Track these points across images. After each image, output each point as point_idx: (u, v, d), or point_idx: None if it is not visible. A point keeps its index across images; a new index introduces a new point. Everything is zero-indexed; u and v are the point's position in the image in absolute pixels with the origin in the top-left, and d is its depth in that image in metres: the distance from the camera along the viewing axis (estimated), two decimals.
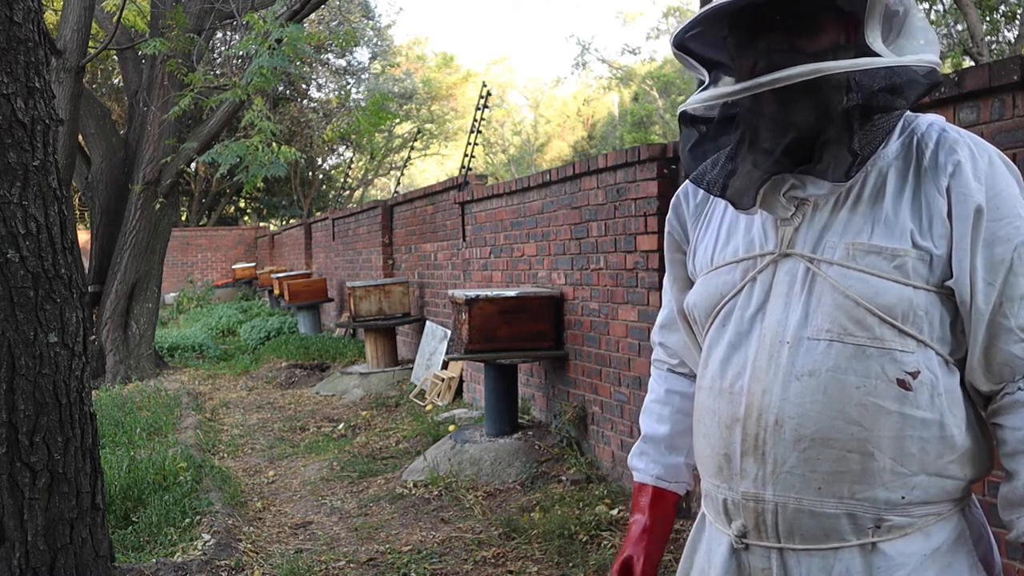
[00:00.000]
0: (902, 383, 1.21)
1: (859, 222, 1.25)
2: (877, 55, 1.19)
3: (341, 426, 6.94)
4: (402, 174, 14.75)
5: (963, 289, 1.21)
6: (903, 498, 1.22)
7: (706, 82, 1.33)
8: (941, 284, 1.23)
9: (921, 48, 1.23)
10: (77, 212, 19.23)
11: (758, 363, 1.27)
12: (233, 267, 19.14)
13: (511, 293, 5.39)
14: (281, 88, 19.50)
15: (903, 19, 1.24)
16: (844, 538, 1.24)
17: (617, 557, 1.51)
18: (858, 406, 1.21)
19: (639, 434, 1.59)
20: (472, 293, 5.37)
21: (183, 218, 22.22)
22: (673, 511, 1.53)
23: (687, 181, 1.43)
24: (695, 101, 1.29)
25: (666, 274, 1.55)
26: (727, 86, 1.27)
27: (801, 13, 1.21)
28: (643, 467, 1.54)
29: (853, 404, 1.21)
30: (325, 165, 25.31)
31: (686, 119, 1.33)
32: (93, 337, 9.50)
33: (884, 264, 1.22)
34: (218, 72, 13.02)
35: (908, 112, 1.27)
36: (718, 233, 1.40)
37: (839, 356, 1.22)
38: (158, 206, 9.76)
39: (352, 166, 24.27)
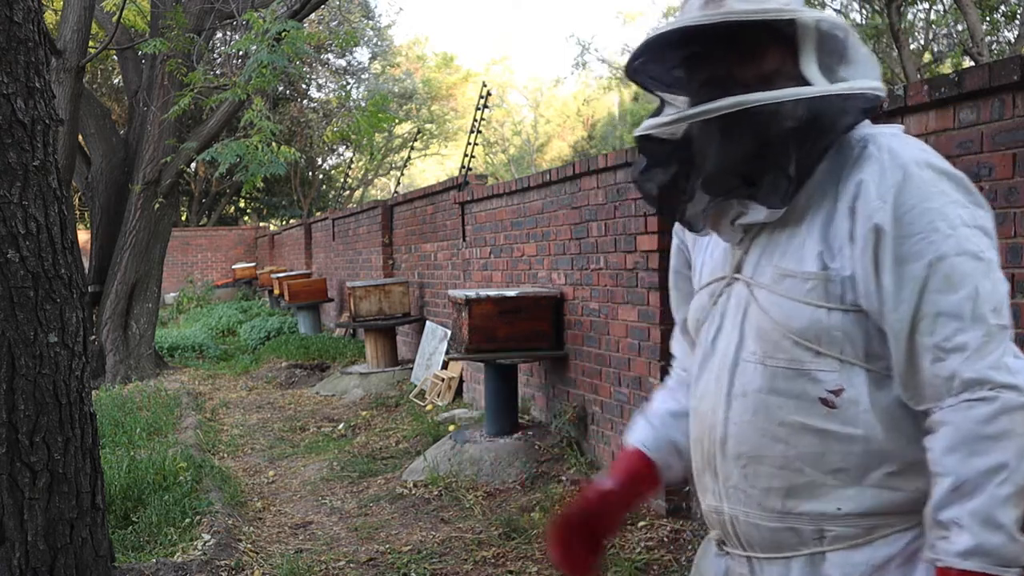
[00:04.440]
0: (825, 401, 1.22)
1: (784, 244, 1.27)
2: (809, 83, 1.20)
3: (341, 426, 6.94)
4: (402, 174, 14.76)
5: (872, 310, 1.20)
6: (839, 509, 1.23)
7: (663, 105, 1.35)
8: (858, 304, 1.21)
9: (860, 73, 1.24)
10: (77, 212, 19.21)
11: (711, 384, 1.33)
12: (233, 267, 19.14)
13: (511, 293, 5.39)
14: (281, 88, 19.50)
15: (844, 45, 1.25)
16: (794, 548, 1.27)
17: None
18: (783, 425, 1.25)
19: None
20: (472, 293, 5.36)
21: (183, 218, 22.20)
22: (649, 479, 1.50)
23: None
24: (643, 127, 1.32)
25: (670, 287, 1.56)
26: (662, 116, 1.30)
27: (735, 43, 1.22)
28: (631, 435, 1.55)
29: (777, 423, 1.25)
30: (325, 165, 25.31)
31: (640, 142, 1.35)
32: (93, 337, 9.50)
33: (799, 287, 1.23)
34: (218, 72, 13.01)
35: (863, 124, 1.26)
36: (706, 253, 1.43)
37: (763, 377, 1.26)
38: (158, 206, 9.75)
39: (352, 166, 24.26)
